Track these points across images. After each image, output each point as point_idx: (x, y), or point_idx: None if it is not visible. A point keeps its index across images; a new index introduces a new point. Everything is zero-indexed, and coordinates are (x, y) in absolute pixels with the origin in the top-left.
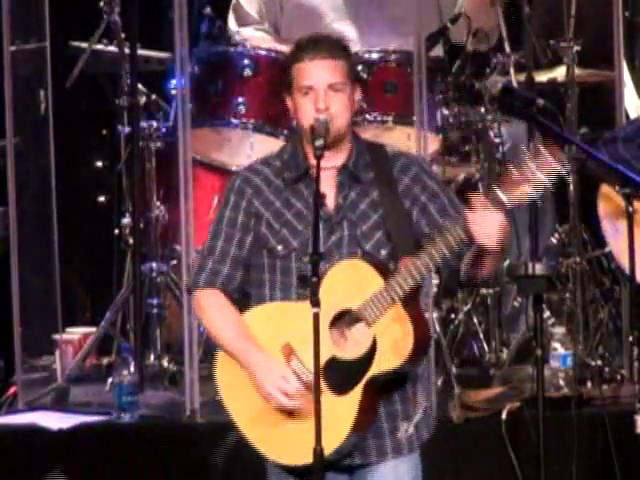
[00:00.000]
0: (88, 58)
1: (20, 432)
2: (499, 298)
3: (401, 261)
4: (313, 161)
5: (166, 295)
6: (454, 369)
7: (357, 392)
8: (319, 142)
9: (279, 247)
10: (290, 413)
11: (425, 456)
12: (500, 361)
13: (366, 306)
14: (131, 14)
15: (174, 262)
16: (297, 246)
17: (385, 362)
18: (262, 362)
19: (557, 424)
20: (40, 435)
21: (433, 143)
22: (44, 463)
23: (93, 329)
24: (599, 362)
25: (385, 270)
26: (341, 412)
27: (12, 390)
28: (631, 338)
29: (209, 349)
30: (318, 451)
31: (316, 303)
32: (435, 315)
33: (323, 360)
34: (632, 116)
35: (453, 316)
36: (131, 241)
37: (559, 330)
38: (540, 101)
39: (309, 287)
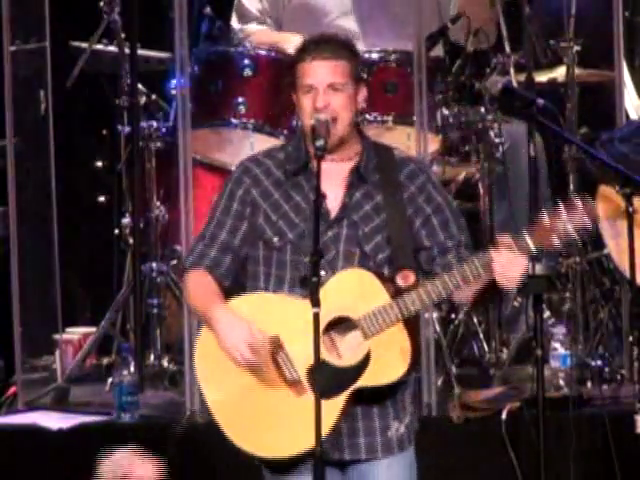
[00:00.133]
0: (88, 58)
1: (20, 432)
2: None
3: (400, 272)
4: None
5: (166, 295)
6: (454, 369)
7: (341, 399)
8: (319, 142)
9: (275, 239)
10: (267, 405)
11: (425, 456)
12: (500, 361)
13: (367, 318)
14: (131, 14)
15: (174, 262)
16: (293, 238)
17: (375, 377)
18: (228, 316)
19: (557, 424)
20: (40, 435)
21: (433, 143)
22: (44, 463)
23: (93, 329)
24: (599, 362)
25: (390, 285)
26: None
27: (12, 390)
28: (631, 338)
29: None
30: (318, 452)
31: (316, 303)
32: (435, 315)
33: (310, 362)
34: (632, 116)
35: (453, 316)
36: (131, 241)
37: (559, 330)
38: (540, 101)
39: (309, 287)
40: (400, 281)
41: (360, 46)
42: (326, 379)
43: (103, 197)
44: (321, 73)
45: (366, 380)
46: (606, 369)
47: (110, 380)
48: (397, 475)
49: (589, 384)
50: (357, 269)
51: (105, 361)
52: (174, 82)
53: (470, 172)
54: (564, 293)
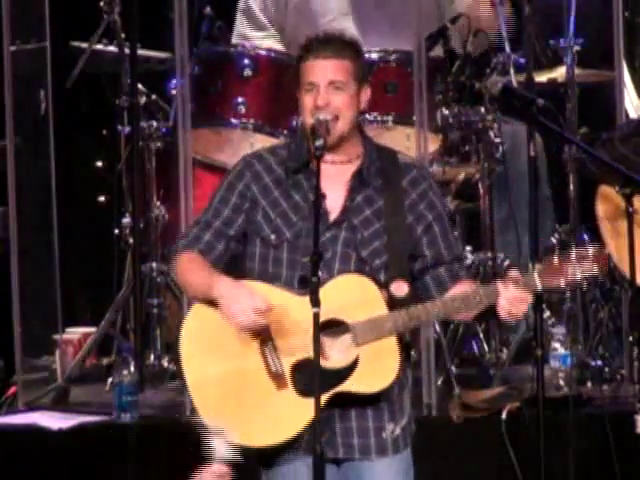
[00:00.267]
0: (88, 58)
1: (20, 432)
2: None
3: (394, 281)
4: None
5: (166, 295)
6: (454, 369)
7: (320, 400)
8: (319, 142)
9: (272, 236)
10: (245, 393)
11: (425, 456)
12: (500, 361)
13: (362, 326)
14: (131, 14)
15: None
16: (290, 237)
17: (359, 384)
18: (231, 284)
19: (557, 424)
20: (40, 435)
21: (433, 143)
22: (44, 463)
23: (93, 329)
24: (599, 362)
25: (384, 292)
26: (296, 413)
27: (12, 390)
28: (631, 338)
29: None
30: (318, 451)
31: (316, 303)
32: None
33: (297, 358)
34: (632, 116)
35: None
36: (131, 241)
37: (559, 330)
38: (540, 101)
39: (309, 287)
40: (394, 291)
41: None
42: (310, 378)
43: (103, 197)
44: (323, 71)
45: (349, 385)
46: (606, 369)
47: (110, 380)
48: (393, 477)
49: (589, 384)
50: (361, 275)
51: (105, 361)
52: (174, 82)
53: (470, 172)
54: (564, 293)
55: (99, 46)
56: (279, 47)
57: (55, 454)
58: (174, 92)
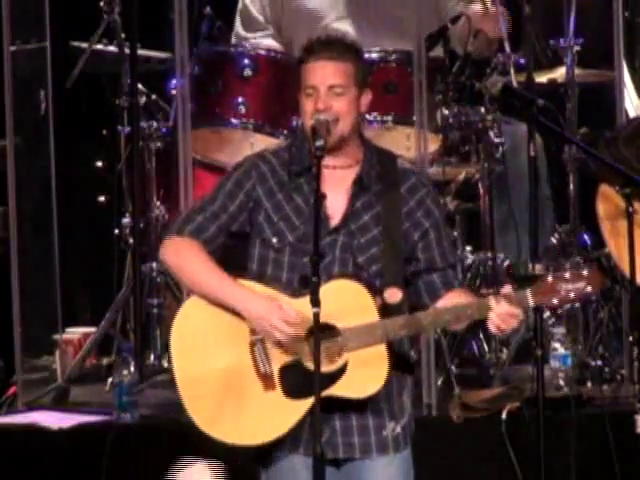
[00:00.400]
0: (88, 58)
1: (20, 432)
2: None
3: (388, 288)
4: None
5: (166, 295)
6: (454, 369)
7: (306, 403)
8: (319, 142)
9: (274, 239)
10: (233, 391)
11: (425, 456)
12: (500, 361)
13: (353, 332)
14: (131, 14)
15: None
16: (292, 240)
17: (347, 390)
18: (254, 299)
19: (557, 424)
20: (40, 435)
21: (433, 143)
22: (44, 463)
23: (93, 329)
24: (599, 362)
25: (378, 299)
26: (283, 414)
27: (12, 390)
28: (631, 338)
29: None
30: (318, 451)
31: (316, 303)
32: None
33: (286, 360)
34: (632, 116)
35: None
36: (131, 241)
37: (559, 330)
38: (540, 101)
39: (309, 287)
40: (388, 298)
41: None
42: (296, 380)
43: (103, 197)
44: (323, 74)
45: (337, 390)
46: (606, 369)
47: (110, 380)
48: (393, 475)
49: (589, 384)
50: (353, 281)
51: (105, 361)
52: (174, 82)
53: (470, 172)
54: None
55: (99, 46)
56: (278, 46)
57: (55, 454)
58: (174, 92)
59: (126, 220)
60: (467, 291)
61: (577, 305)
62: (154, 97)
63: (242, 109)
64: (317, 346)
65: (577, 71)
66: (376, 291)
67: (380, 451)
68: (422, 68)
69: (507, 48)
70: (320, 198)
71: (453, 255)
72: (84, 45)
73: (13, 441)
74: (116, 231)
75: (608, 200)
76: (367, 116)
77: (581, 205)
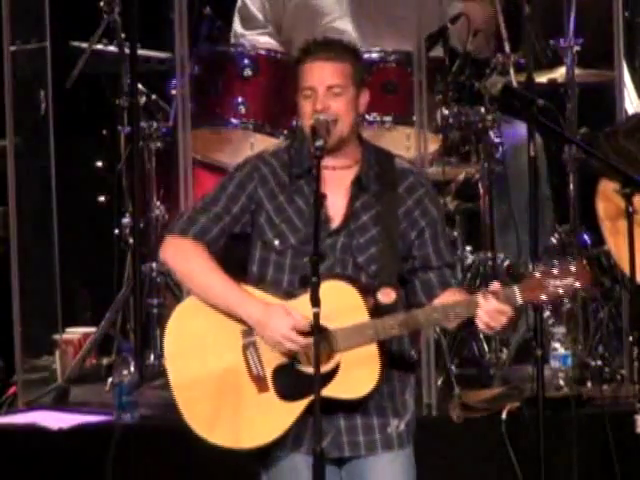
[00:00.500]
0: (88, 58)
1: (20, 432)
2: None
3: (382, 288)
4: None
5: (166, 295)
6: (454, 369)
7: (300, 405)
8: (319, 142)
9: (276, 242)
10: (228, 394)
11: (425, 456)
12: (500, 361)
13: (343, 333)
14: (131, 14)
15: None
16: (294, 243)
17: (339, 390)
18: (265, 310)
19: (557, 424)
20: (40, 435)
21: (433, 143)
22: (44, 463)
23: (93, 329)
24: (599, 362)
25: (371, 299)
26: (277, 416)
27: (12, 390)
28: (631, 338)
29: None
30: (318, 451)
31: (316, 303)
32: None
33: (278, 362)
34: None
35: None
36: (131, 241)
37: (559, 330)
38: (540, 101)
39: (309, 287)
40: (381, 298)
41: (358, 46)
42: (289, 381)
43: (103, 197)
44: (320, 74)
45: (329, 391)
46: (606, 369)
47: (110, 380)
48: (397, 472)
49: (589, 384)
50: (343, 282)
51: (105, 361)
52: (174, 82)
53: (470, 172)
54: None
55: (99, 46)
56: (275, 44)
57: (55, 454)
58: (174, 92)
59: (126, 220)
60: (464, 291)
61: (575, 303)
62: (154, 97)
63: (242, 109)
64: (317, 346)
65: (577, 71)
66: (367, 292)
67: (385, 448)
68: (422, 68)
69: (507, 48)
70: (320, 198)
71: (450, 254)
72: (84, 45)
73: (13, 441)
74: (116, 231)
75: (608, 200)
76: (367, 116)
77: (581, 205)
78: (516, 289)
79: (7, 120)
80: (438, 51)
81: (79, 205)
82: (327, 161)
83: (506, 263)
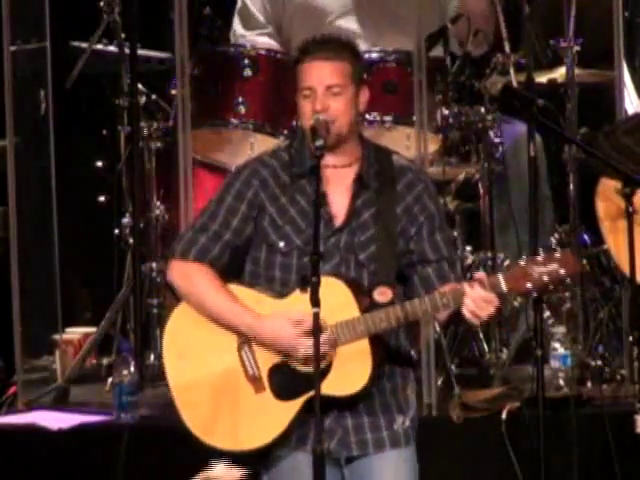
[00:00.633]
0: (88, 58)
1: (20, 432)
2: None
3: (378, 287)
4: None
5: (166, 295)
6: (454, 369)
7: (297, 403)
8: (319, 142)
9: (281, 244)
10: (226, 396)
11: (425, 456)
12: (500, 361)
13: (334, 329)
14: (131, 14)
15: None
16: (300, 244)
17: (333, 388)
18: (264, 322)
19: (557, 424)
20: (40, 435)
21: (433, 143)
22: (44, 463)
23: (93, 329)
24: (599, 362)
25: (366, 299)
26: (274, 416)
27: (12, 390)
28: (631, 338)
29: None
30: (318, 451)
31: (316, 303)
32: None
33: (273, 361)
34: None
35: None
36: (131, 241)
37: (559, 330)
38: (540, 101)
39: (309, 287)
40: (377, 296)
41: (362, 46)
42: (285, 381)
43: (103, 197)
44: (319, 74)
45: (322, 389)
46: (606, 369)
47: (110, 380)
48: (403, 469)
49: (589, 384)
50: (333, 278)
51: (105, 361)
52: (174, 82)
53: (470, 172)
54: (564, 293)
55: (99, 46)
56: (275, 44)
57: (55, 454)
58: (174, 92)
59: (126, 220)
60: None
61: (575, 303)
62: (154, 97)
63: (242, 109)
64: (317, 346)
65: (577, 71)
66: (362, 292)
67: (393, 445)
68: (422, 68)
69: (507, 48)
70: (321, 197)
71: (449, 249)
72: (84, 45)
73: (13, 441)
74: (116, 231)
75: (608, 199)
76: (367, 116)
77: (581, 205)
78: (500, 277)
79: (7, 120)
80: (438, 51)
81: (79, 205)
82: (328, 159)
83: (506, 263)
